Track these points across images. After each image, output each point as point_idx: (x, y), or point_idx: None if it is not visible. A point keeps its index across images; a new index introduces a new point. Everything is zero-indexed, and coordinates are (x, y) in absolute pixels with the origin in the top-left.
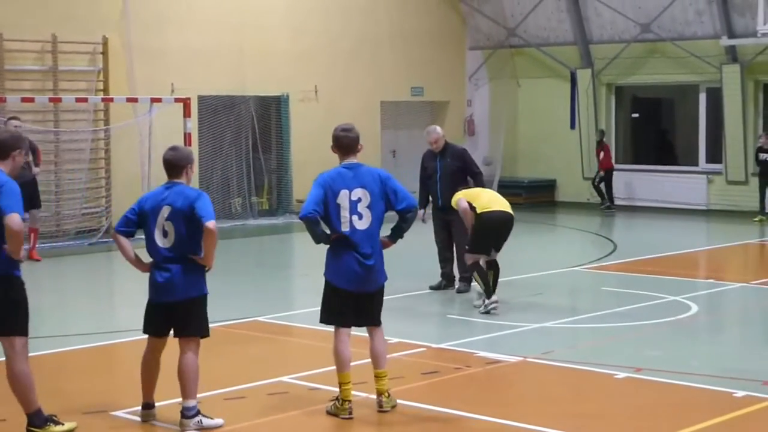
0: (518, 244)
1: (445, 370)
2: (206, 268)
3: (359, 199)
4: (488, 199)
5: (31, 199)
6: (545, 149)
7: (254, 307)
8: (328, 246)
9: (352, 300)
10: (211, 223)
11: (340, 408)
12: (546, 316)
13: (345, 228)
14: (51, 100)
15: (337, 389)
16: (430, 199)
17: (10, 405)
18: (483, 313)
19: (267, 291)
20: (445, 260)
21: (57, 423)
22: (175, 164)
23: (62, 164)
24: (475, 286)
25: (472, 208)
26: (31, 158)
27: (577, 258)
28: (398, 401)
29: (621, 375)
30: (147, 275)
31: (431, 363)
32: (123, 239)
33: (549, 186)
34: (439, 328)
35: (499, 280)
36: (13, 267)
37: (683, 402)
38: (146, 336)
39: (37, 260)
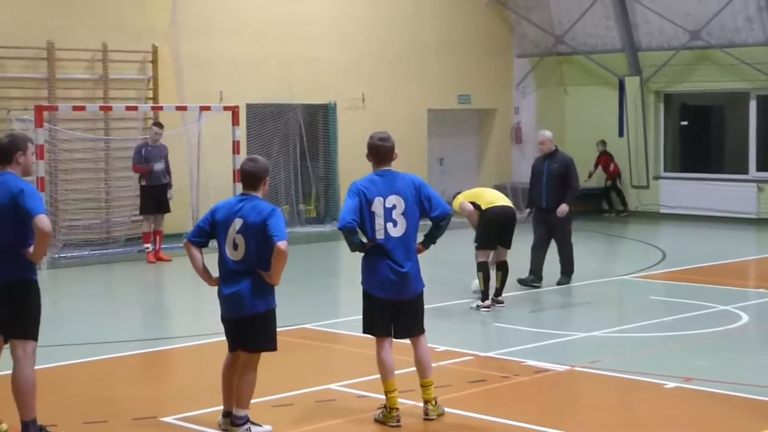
0: None
1: (492, 378)
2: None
3: (394, 206)
4: (491, 197)
5: (159, 203)
6: (594, 157)
7: (302, 314)
8: (363, 254)
9: (391, 308)
10: (282, 244)
11: (388, 416)
12: (594, 325)
13: (380, 236)
14: (101, 108)
15: (384, 397)
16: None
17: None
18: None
19: (314, 298)
20: (535, 258)
21: None
22: (254, 176)
23: (112, 172)
24: (476, 282)
25: (477, 207)
26: (164, 166)
27: (625, 267)
28: (445, 409)
29: (670, 385)
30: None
31: (478, 371)
32: (194, 249)
33: (598, 195)
34: (486, 336)
35: (541, 288)
36: (32, 272)
37: (734, 413)
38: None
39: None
